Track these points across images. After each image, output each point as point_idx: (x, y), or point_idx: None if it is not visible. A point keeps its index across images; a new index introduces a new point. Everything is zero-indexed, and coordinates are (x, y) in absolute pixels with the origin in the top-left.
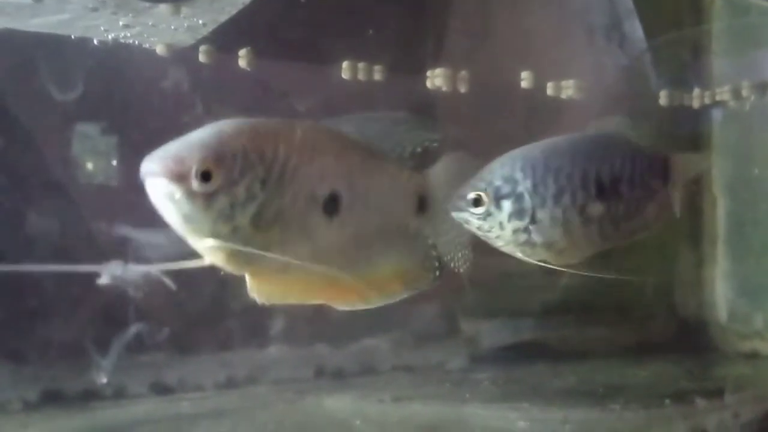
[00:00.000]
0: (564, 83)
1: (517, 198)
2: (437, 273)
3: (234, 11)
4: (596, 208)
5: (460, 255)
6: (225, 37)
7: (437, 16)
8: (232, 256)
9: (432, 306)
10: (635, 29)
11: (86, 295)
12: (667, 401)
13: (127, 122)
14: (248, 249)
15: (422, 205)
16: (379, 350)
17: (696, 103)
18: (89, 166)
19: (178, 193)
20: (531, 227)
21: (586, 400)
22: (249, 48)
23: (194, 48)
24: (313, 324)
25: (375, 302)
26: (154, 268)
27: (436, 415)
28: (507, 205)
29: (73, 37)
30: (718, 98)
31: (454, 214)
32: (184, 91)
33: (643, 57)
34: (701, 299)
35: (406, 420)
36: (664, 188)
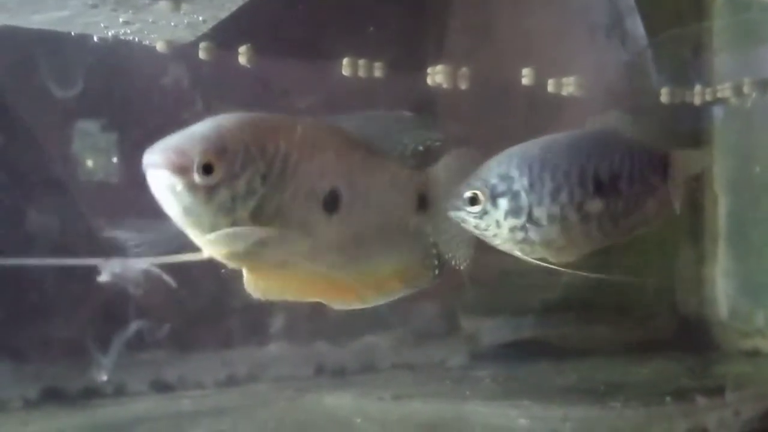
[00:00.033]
0: (565, 80)
1: (514, 196)
2: (436, 272)
3: (234, 8)
4: (594, 205)
5: (462, 253)
6: (225, 34)
7: (438, 12)
8: (231, 249)
9: (432, 304)
10: (636, 26)
11: (86, 292)
12: (668, 399)
13: (127, 119)
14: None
15: (423, 203)
16: (380, 348)
17: (697, 101)
18: (89, 163)
19: (179, 185)
20: (528, 225)
21: (586, 398)
22: (249, 45)
23: (194, 45)
24: (314, 322)
25: (372, 301)
26: (154, 261)
27: (436, 413)
28: (503, 203)
29: (73, 33)
30: (719, 95)
31: (451, 213)
32: (184, 88)
33: (644, 54)
34: (702, 297)
35: (407, 418)
36: (663, 185)
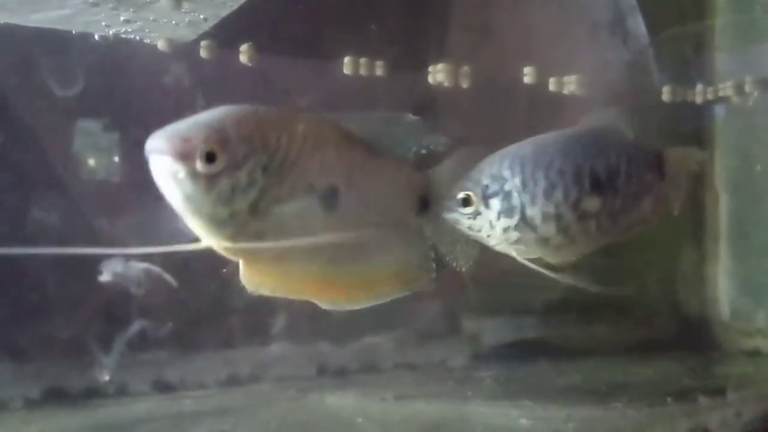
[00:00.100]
0: (566, 79)
1: (506, 196)
2: (434, 274)
3: (235, 6)
4: (591, 203)
5: (466, 255)
6: (226, 33)
7: (439, 11)
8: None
9: (434, 304)
10: (638, 25)
11: (88, 292)
12: (670, 399)
13: (128, 118)
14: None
15: (424, 204)
16: (382, 348)
17: (699, 99)
18: (91, 162)
19: (181, 172)
20: (521, 225)
21: (588, 398)
22: (250, 43)
23: (195, 43)
24: (316, 322)
25: (363, 303)
26: (152, 251)
27: (438, 413)
28: (495, 203)
29: (73, 32)
30: (720, 94)
31: (445, 215)
32: (186, 86)
33: (645, 52)
34: (703, 297)
35: (409, 418)
36: (658, 182)
